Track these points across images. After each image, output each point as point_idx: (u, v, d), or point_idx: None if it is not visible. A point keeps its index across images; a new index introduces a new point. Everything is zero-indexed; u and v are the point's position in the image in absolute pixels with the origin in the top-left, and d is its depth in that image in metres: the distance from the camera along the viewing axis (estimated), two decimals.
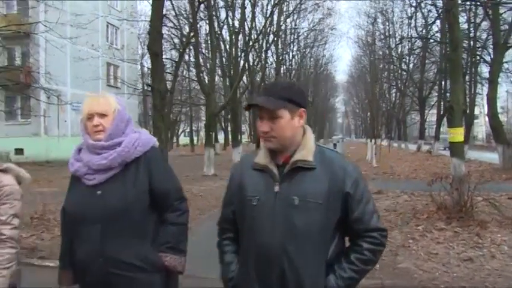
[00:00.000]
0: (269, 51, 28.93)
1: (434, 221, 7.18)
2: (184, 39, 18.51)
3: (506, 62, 22.88)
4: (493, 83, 17.34)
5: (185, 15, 20.78)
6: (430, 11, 27.46)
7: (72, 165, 2.11)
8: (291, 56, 36.46)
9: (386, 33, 35.42)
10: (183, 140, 59.00)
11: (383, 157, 24.92)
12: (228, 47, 22.59)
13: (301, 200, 1.68)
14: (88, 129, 2.07)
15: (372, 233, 1.73)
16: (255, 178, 1.79)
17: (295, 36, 34.40)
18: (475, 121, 39.99)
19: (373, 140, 24.76)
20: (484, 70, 28.22)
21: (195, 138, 51.68)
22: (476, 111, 38.93)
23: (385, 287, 4.64)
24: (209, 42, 18.40)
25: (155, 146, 2.17)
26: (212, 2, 17.41)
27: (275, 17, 26.27)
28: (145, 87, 21.85)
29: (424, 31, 29.81)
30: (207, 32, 19.21)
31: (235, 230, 1.88)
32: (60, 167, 18.03)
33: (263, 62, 27.37)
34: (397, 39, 34.08)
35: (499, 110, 20.65)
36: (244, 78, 25.14)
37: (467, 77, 25.91)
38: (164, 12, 11.90)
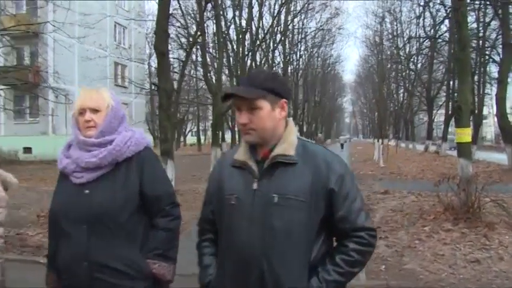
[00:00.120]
0: (276, 51, 28.97)
1: (441, 222, 7.12)
2: (191, 39, 18.52)
3: None
4: (502, 83, 17.19)
5: (192, 15, 20.81)
6: (438, 10, 27.24)
7: (61, 162, 2.00)
8: (298, 55, 36.44)
9: (394, 33, 35.20)
10: (190, 139, 59.11)
11: (390, 157, 24.79)
12: (235, 46, 22.59)
13: (281, 197, 1.57)
14: (79, 125, 1.97)
15: (359, 233, 1.61)
16: (234, 176, 1.69)
17: (303, 36, 34.36)
18: (484, 121, 39.62)
19: (380, 140, 24.64)
20: (493, 70, 28.00)
21: (202, 138, 51.77)
22: (485, 111, 38.55)
23: None
24: (216, 41, 18.40)
25: (149, 146, 2.07)
26: (219, 1, 17.41)
27: (282, 17, 26.29)
28: (153, 87, 21.90)
29: (432, 31, 29.58)
30: (214, 31, 19.20)
31: (215, 231, 1.77)
32: None
33: (270, 61, 27.34)
34: (405, 39, 33.96)
35: (508, 110, 20.41)
36: None
37: (476, 77, 25.67)
38: (171, 11, 11.93)
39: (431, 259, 5.43)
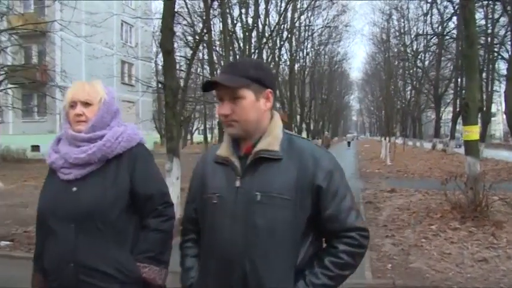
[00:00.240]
0: (283, 49, 28.79)
1: (448, 221, 7.09)
2: (197, 37, 18.53)
3: None
4: (510, 80, 17.03)
5: (198, 13, 20.81)
6: (446, 7, 27.09)
7: (49, 157, 1.90)
8: (305, 53, 36.21)
9: (401, 30, 34.99)
10: (197, 137, 59.20)
11: (397, 155, 24.70)
12: (241, 44, 22.55)
13: (264, 195, 1.47)
14: (70, 118, 1.87)
15: (350, 233, 1.50)
16: (217, 173, 1.59)
17: (309, 33, 34.18)
18: (492, 119, 39.33)
19: (387, 138, 24.54)
20: (502, 67, 27.73)
21: (209, 136, 51.79)
22: (494, 108, 38.26)
23: (396, 287, 4.58)
24: (222, 39, 18.39)
25: (142, 142, 1.96)
26: None
27: (289, 14, 26.16)
28: (159, 85, 21.97)
29: (440, 28, 29.41)
30: (221, 29, 19.18)
31: (197, 231, 1.68)
32: None
33: (277, 59, 27.26)
34: (413, 36, 33.79)
35: None
36: None
37: (484, 74, 25.48)
38: (177, 9, 11.92)
39: (438, 258, 5.41)
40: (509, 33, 20.23)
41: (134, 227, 1.86)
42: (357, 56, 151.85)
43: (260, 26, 22.37)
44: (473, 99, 7.90)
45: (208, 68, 25.41)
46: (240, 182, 1.52)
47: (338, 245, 1.50)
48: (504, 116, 24.93)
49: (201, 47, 21.24)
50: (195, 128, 57.31)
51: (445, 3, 26.23)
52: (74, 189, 1.79)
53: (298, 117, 37.29)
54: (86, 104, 1.84)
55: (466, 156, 7.91)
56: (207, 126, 52.17)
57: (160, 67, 33.54)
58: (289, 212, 1.47)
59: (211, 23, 18.49)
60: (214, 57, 21.33)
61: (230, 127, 1.54)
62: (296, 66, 33.55)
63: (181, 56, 22.97)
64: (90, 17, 16.45)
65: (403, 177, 15.48)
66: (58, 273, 1.76)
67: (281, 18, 23.77)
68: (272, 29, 23.29)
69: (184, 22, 20.15)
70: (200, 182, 1.65)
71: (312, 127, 43.10)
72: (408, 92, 41.40)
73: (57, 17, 19.66)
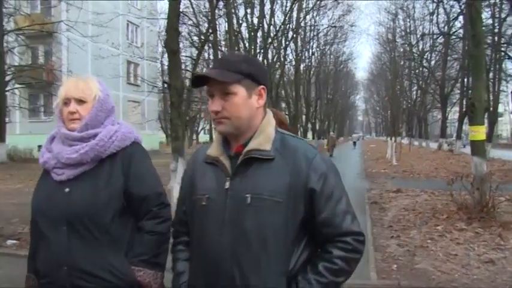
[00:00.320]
0: (288, 48, 28.78)
1: (454, 221, 7.04)
2: (202, 37, 18.57)
3: None
4: None
5: (204, 13, 20.84)
6: (452, 6, 26.93)
7: (42, 156, 1.83)
8: (310, 53, 36.18)
9: (407, 30, 34.87)
10: (203, 137, 59.31)
11: (403, 155, 24.59)
12: (247, 44, 22.56)
13: (255, 197, 1.40)
14: (63, 116, 1.80)
15: (345, 238, 1.43)
16: (206, 173, 1.53)
17: (315, 33, 34.15)
18: (499, 119, 39.08)
19: (393, 138, 24.46)
20: (509, 66, 27.73)
21: (214, 136, 51.93)
22: (501, 108, 38.07)
23: None
24: (228, 39, 18.41)
25: (137, 141, 1.89)
26: None
27: (294, 14, 26.16)
28: (164, 85, 22.02)
29: (446, 27, 29.26)
30: (226, 29, 19.20)
31: (189, 233, 1.61)
32: None
33: (282, 59, 27.25)
34: (418, 36, 33.64)
35: None
36: None
37: (491, 74, 25.34)
38: (182, 9, 11.95)
39: (444, 259, 5.37)
40: None
41: (130, 229, 1.79)
42: (362, 55, 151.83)
43: (265, 26, 22.39)
44: (480, 99, 7.85)
45: None
46: (229, 183, 1.45)
47: (332, 250, 1.43)
48: (511, 116, 24.71)
49: (206, 47, 21.25)
50: (200, 127, 57.37)
51: (451, 2, 26.10)
52: (67, 190, 1.72)
53: (303, 117, 37.25)
54: (80, 102, 1.77)
55: (472, 157, 7.86)
56: (213, 126, 52.24)
57: (165, 67, 33.64)
58: (281, 215, 1.40)
59: (217, 23, 18.48)
60: (220, 57, 21.31)
61: (220, 124, 1.48)
62: (301, 66, 33.54)
63: (186, 56, 23.03)
64: (96, 17, 16.54)
65: (409, 177, 15.41)
66: (51, 276, 1.70)
67: (286, 18, 23.78)
68: (277, 28, 23.30)
69: (190, 22, 20.17)
70: (190, 182, 1.60)
71: (317, 127, 43.06)
72: (414, 92, 41.27)
73: (64, 17, 19.80)
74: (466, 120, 27.74)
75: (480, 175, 7.43)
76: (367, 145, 52.90)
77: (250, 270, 1.39)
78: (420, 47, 35.45)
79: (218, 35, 18.59)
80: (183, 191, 1.66)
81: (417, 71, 37.44)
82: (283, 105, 34.45)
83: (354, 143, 50.01)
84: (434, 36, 31.30)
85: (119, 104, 29.11)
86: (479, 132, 7.78)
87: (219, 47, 20.66)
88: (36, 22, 19.76)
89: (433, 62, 35.95)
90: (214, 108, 1.45)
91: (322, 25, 33.40)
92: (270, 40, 21.98)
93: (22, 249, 6.03)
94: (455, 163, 20.06)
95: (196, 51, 20.57)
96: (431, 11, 30.10)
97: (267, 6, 22.35)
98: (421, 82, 37.60)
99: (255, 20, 22.30)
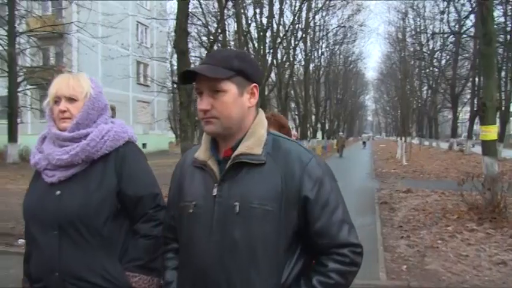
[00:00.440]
0: (297, 48, 28.78)
1: (465, 222, 6.98)
2: (211, 37, 18.61)
3: None
4: None
5: (213, 13, 20.90)
6: (463, 4, 26.67)
7: (33, 157, 1.76)
8: (319, 53, 36.16)
9: (417, 29, 34.63)
10: None
11: (413, 155, 24.44)
12: (256, 44, 22.58)
13: (244, 205, 1.30)
14: (54, 115, 1.71)
15: (341, 250, 1.32)
16: (194, 178, 1.43)
17: (324, 33, 34.11)
18: (511, 118, 38.60)
19: (403, 138, 24.31)
20: None
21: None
22: None
23: None
24: (237, 39, 18.44)
25: (131, 140, 1.80)
26: None
27: (303, 14, 26.15)
28: (174, 85, 22.13)
29: (457, 26, 28.98)
30: (235, 29, 19.23)
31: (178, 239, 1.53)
32: None
33: (291, 59, 27.24)
34: (429, 35, 33.36)
35: None
36: (273, 75, 25.10)
37: (502, 73, 25.06)
38: (191, 10, 12.00)
39: (455, 260, 5.32)
40: None
41: (125, 233, 1.72)
42: (372, 55, 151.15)
43: (275, 26, 22.38)
44: (491, 99, 7.77)
45: None
46: (217, 190, 1.35)
47: (328, 263, 1.32)
48: None
49: (215, 47, 21.34)
50: None
51: (462, 1, 25.86)
52: (58, 192, 1.65)
53: (313, 117, 37.20)
54: (71, 100, 1.69)
55: (483, 157, 7.79)
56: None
57: (175, 67, 33.79)
58: (272, 224, 1.30)
59: (226, 23, 18.54)
60: None
61: (209, 124, 1.36)
62: (311, 66, 33.52)
63: (196, 57, 23.07)
64: (106, 18, 16.64)
65: (419, 177, 15.30)
66: (43, 281, 1.64)
67: (296, 18, 23.76)
68: (287, 29, 23.29)
69: (199, 22, 20.25)
70: (177, 187, 1.50)
71: (327, 127, 42.96)
72: (424, 92, 41.01)
73: (74, 18, 19.96)
74: (477, 120, 27.47)
75: (491, 175, 7.35)
76: (377, 145, 52.64)
77: (239, 283, 1.30)
78: (430, 46, 35.20)
79: (227, 35, 18.63)
80: (170, 196, 1.57)
81: (427, 70, 37.19)
82: (293, 105, 34.46)
83: (364, 143, 49.84)
84: (445, 35, 30.99)
85: (128, 104, 29.33)
86: (491, 132, 7.70)
87: (228, 47, 20.68)
88: (47, 24, 19.94)
89: (443, 61, 35.69)
90: (203, 106, 1.34)
91: (332, 25, 33.44)
92: (279, 40, 21.97)
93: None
94: (466, 163, 19.88)
95: (206, 52, 20.61)
96: (442, 9, 29.80)
97: (276, 6, 22.36)
98: (431, 82, 37.34)
99: (264, 20, 22.30)
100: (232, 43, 22.18)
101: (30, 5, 19.28)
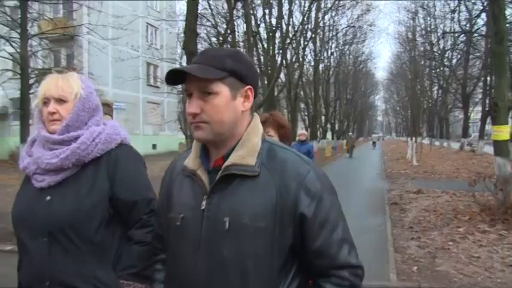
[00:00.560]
0: (307, 49, 28.74)
1: (476, 223, 6.91)
2: (221, 38, 18.66)
3: None
4: None
5: (222, 14, 20.96)
6: (474, 3, 26.42)
7: (22, 161, 1.68)
8: (329, 53, 36.07)
9: (428, 28, 34.35)
10: None
11: (424, 156, 24.26)
12: (265, 45, 22.59)
13: (234, 221, 1.18)
14: (43, 117, 1.64)
15: (340, 271, 1.21)
16: (183, 188, 1.32)
17: (334, 33, 34.04)
18: None
19: (413, 139, 24.14)
20: None
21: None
22: None
23: None
24: (246, 40, 18.46)
25: (125, 142, 1.73)
26: (249, 0, 17.45)
27: (313, 14, 26.11)
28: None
29: (468, 25, 28.70)
30: (244, 30, 19.26)
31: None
32: None
33: (301, 59, 27.20)
34: (439, 34, 33.08)
35: None
36: (282, 75, 25.10)
37: None
38: (200, 11, 12.03)
39: (466, 261, 5.27)
40: None
41: (118, 239, 1.65)
42: (382, 55, 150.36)
43: (284, 26, 22.35)
44: (503, 98, 7.70)
45: None
46: (206, 203, 1.23)
47: (325, 286, 1.21)
48: None
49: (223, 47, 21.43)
50: None
51: None
52: (48, 198, 1.57)
53: (323, 117, 37.10)
54: (60, 101, 1.61)
55: (495, 157, 7.71)
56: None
57: None
58: (264, 242, 1.18)
59: (235, 24, 18.58)
60: None
61: (198, 130, 1.24)
62: (320, 66, 33.45)
63: None
64: (116, 20, 16.79)
65: (430, 178, 15.18)
66: None
67: (305, 19, 23.70)
68: (296, 29, 23.24)
69: (208, 23, 20.32)
70: (166, 195, 1.39)
71: (336, 127, 42.82)
72: (435, 92, 40.66)
73: (85, 20, 20.10)
74: (489, 120, 27.17)
75: (504, 176, 7.27)
76: (387, 145, 52.34)
77: None
78: (441, 45, 34.87)
79: (236, 36, 18.67)
80: (159, 203, 1.47)
81: (438, 70, 36.86)
82: (302, 105, 34.41)
83: (374, 143, 49.58)
84: (456, 35, 30.71)
85: (139, 105, 29.52)
86: (503, 132, 7.62)
87: (238, 47, 20.73)
88: (58, 26, 20.14)
89: (454, 61, 35.32)
90: (192, 110, 1.22)
91: (341, 25, 33.38)
92: (288, 40, 21.93)
93: None
94: (477, 163, 19.68)
95: None
96: (452, 8, 29.57)
97: (286, 7, 22.34)
98: (442, 81, 37.00)
99: (274, 21, 22.33)
100: (241, 44, 22.23)
101: (42, 7, 19.47)
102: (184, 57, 11.26)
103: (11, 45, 13.93)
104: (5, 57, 14.40)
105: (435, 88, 40.08)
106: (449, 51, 34.63)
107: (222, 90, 1.22)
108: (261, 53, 23.74)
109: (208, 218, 1.21)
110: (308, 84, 32.84)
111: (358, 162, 24.78)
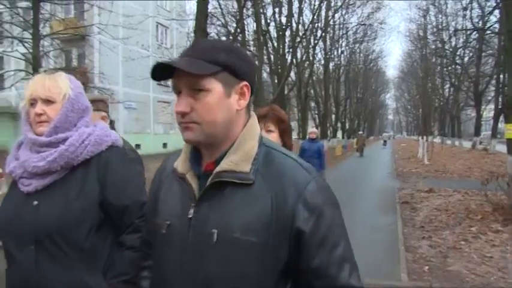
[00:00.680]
0: (317, 47, 28.65)
1: (489, 222, 6.84)
2: (231, 37, 18.68)
3: None
4: None
5: (232, 13, 20.99)
6: (487, 0, 26.13)
7: (8, 164, 1.61)
8: (339, 51, 35.98)
9: (439, 26, 34.02)
10: None
11: (435, 155, 24.05)
12: (275, 43, 22.58)
13: (223, 234, 1.05)
14: (30, 119, 1.57)
15: None
16: (171, 192, 1.20)
17: (344, 32, 33.93)
18: None
19: (424, 137, 23.95)
20: None
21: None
22: None
23: None
24: (256, 39, 18.46)
25: (115, 144, 1.66)
26: None
27: (323, 12, 26.01)
28: None
29: (480, 22, 28.38)
30: (254, 29, 19.27)
31: None
32: None
33: (311, 58, 27.13)
34: (451, 32, 32.76)
35: None
36: (292, 74, 25.07)
37: None
38: (210, 10, 12.06)
39: (479, 261, 5.22)
40: None
41: (109, 245, 1.59)
42: (392, 53, 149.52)
43: (294, 25, 22.32)
44: None
45: None
46: (194, 211, 1.10)
47: None
48: None
49: None
50: None
51: None
52: (35, 203, 1.51)
53: (333, 116, 36.99)
54: (47, 102, 1.55)
55: (508, 156, 7.61)
56: None
57: None
58: (256, 259, 1.05)
59: (245, 22, 18.60)
60: None
61: (187, 130, 1.10)
62: (331, 64, 33.38)
63: None
64: (126, 19, 16.91)
65: (442, 176, 15.05)
66: None
67: (315, 17, 23.63)
68: (306, 27, 23.20)
69: (218, 22, 20.38)
70: (154, 198, 1.27)
71: (347, 126, 42.67)
72: (446, 90, 40.32)
73: (96, 21, 20.26)
74: (501, 118, 26.89)
75: None
76: (398, 144, 52.00)
77: None
78: (453, 43, 34.56)
79: (246, 35, 18.68)
80: (147, 206, 1.36)
81: (449, 68, 36.51)
82: (313, 104, 34.32)
83: (384, 142, 49.29)
84: (468, 32, 30.38)
85: (149, 104, 29.67)
86: None
87: (248, 47, 20.74)
88: (69, 26, 20.33)
89: (466, 59, 34.97)
90: (180, 108, 1.08)
91: (351, 23, 33.18)
92: (298, 39, 21.89)
93: None
94: (490, 162, 19.48)
95: None
96: (464, 5, 29.25)
97: (295, 5, 22.30)
98: (453, 79, 36.65)
99: (283, 19, 22.28)
100: (251, 43, 22.23)
101: (53, 8, 19.67)
102: None
103: (24, 45, 14.11)
104: (17, 58, 14.58)
105: (447, 86, 39.75)
106: (461, 49, 34.30)
107: (215, 86, 1.08)
108: (271, 51, 23.72)
109: (195, 227, 1.09)
110: (318, 82, 32.74)
111: (369, 161, 24.65)
